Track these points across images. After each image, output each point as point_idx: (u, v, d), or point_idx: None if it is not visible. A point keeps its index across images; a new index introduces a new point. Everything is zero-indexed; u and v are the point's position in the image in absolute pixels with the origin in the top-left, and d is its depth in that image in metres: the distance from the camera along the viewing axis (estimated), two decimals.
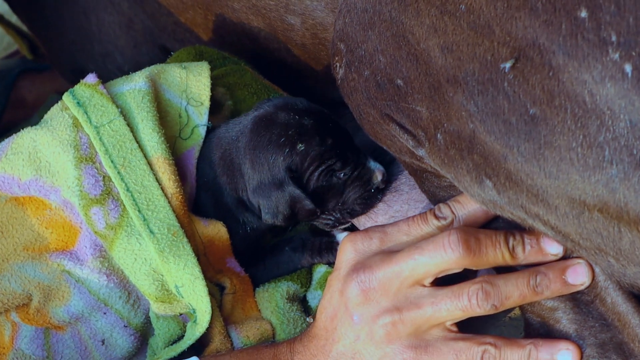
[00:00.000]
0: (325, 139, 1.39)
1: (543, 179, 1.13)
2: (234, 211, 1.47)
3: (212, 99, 1.51)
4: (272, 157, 1.41)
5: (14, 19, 1.97)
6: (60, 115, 1.46)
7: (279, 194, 1.41)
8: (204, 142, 1.49)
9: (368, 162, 1.43)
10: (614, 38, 1.06)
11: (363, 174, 1.43)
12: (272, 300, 1.48)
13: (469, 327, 1.27)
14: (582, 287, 1.21)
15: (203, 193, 1.48)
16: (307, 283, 1.52)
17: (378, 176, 1.43)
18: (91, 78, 1.47)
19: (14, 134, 1.49)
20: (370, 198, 1.45)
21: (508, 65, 1.13)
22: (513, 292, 1.22)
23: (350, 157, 1.40)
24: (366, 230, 1.30)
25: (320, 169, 1.41)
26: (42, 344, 1.45)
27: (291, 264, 1.51)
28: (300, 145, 1.41)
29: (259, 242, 1.52)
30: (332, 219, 1.46)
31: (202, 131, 1.49)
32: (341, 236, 1.52)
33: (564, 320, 1.24)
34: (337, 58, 1.29)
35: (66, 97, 1.46)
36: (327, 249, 1.54)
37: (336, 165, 1.41)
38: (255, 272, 1.51)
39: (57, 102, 1.49)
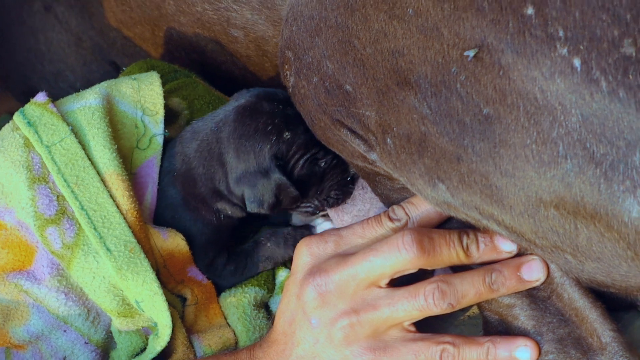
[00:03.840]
0: (308, 128, 1.37)
1: (498, 178, 1.11)
2: (207, 201, 1.44)
3: (168, 108, 1.48)
4: (258, 146, 1.39)
5: None
6: (11, 136, 1.41)
7: (265, 181, 1.40)
8: (171, 142, 1.47)
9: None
10: (561, 33, 1.05)
11: (340, 163, 1.42)
12: (240, 307, 1.45)
13: (428, 327, 1.25)
14: (537, 283, 1.20)
15: (171, 189, 1.45)
16: (272, 289, 1.50)
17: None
18: (41, 97, 1.43)
19: None
20: (346, 186, 1.44)
21: (459, 66, 1.11)
22: (469, 291, 1.20)
23: (329, 147, 1.39)
24: (321, 234, 1.28)
25: (305, 157, 1.40)
26: None
27: (272, 257, 1.49)
28: (287, 133, 1.39)
29: (231, 231, 1.49)
30: (312, 206, 1.45)
31: (159, 140, 1.45)
32: (322, 226, 1.52)
33: (522, 316, 1.22)
34: (286, 67, 1.28)
35: (16, 117, 1.41)
36: None
37: (319, 154, 1.40)
38: (234, 269, 1.49)
39: (8, 123, 1.45)
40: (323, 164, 1.40)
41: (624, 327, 1.22)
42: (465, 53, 1.09)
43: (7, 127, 1.42)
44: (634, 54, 1.02)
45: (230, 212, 1.44)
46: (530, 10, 1.06)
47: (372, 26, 1.15)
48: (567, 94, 1.04)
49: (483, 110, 1.09)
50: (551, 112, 1.06)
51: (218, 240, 1.47)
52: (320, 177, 1.41)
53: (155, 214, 1.44)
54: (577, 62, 1.04)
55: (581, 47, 1.04)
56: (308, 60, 1.22)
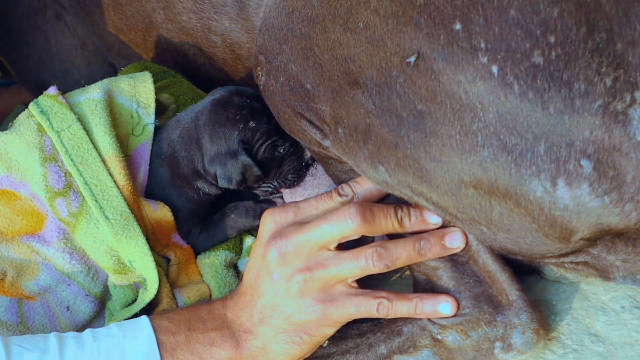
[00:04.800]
0: (270, 119, 1.37)
1: (428, 162, 1.11)
2: (189, 180, 1.43)
3: (158, 102, 1.47)
4: (228, 132, 1.39)
5: None
6: (26, 122, 1.39)
7: (233, 162, 1.39)
8: (160, 130, 1.46)
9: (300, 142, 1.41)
10: (482, 45, 1.06)
11: (297, 150, 1.41)
12: (212, 267, 1.44)
13: (367, 285, 1.24)
14: (457, 250, 1.20)
15: (160, 169, 1.44)
16: (240, 252, 1.48)
17: (308, 153, 1.41)
18: (52, 90, 1.41)
19: None
20: (301, 170, 1.43)
21: (399, 71, 1.11)
22: (402, 254, 1.20)
23: (288, 136, 1.38)
24: (283, 205, 1.27)
25: (267, 143, 1.39)
26: (16, 312, 1.40)
27: (235, 226, 1.47)
28: (252, 122, 1.38)
29: (210, 206, 1.48)
30: (271, 187, 1.44)
31: (151, 128, 1.44)
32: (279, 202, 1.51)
33: (444, 277, 1.22)
34: (258, 68, 1.27)
35: (31, 106, 1.40)
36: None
37: (279, 142, 1.39)
38: (206, 237, 1.47)
39: (24, 111, 1.43)
40: (282, 150, 1.39)
41: (528, 288, 1.22)
42: (407, 60, 1.09)
43: (23, 114, 1.40)
44: (541, 63, 1.03)
45: (207, 190, 1.43)
46: (458, 26, 1.06)
47: (329, 36, 1.15)
48: (486, 94, 1.05)
49: (417, 106, 1.09)
50: (472, 109, 1.06)
51: (197, 213, 1.46)
52: (279, 161, 1.40)
53: (147, 190, 1.42)
54: (494, 69, 1.04)
55: (499, 57, 1.04)
56: (277, 64, 1.22)
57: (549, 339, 1.21)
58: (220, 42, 1.46)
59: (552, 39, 1.03)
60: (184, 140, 1.42)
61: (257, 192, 1.46)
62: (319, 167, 1.41)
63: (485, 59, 1.05)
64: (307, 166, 1.43)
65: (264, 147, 1.39)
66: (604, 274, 1.19)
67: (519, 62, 1.04)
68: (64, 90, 1.44)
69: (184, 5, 1.45)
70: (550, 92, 1.03)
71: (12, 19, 1.65)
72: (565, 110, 1.03)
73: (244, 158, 1.38)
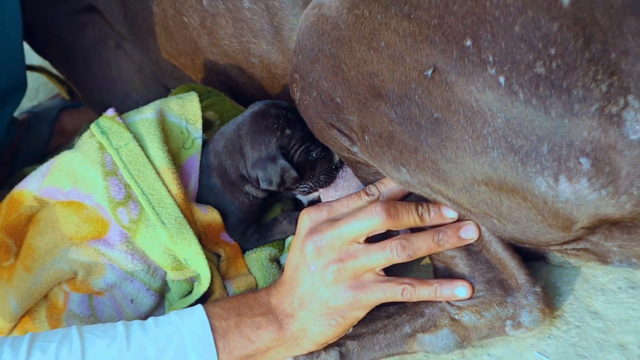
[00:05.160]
0: (304, 127, 1.36)
1: (444, 164, 1.11)
2: (238, 185, 1.43)
3: (205, 119, 1.47)
4: (267, 139, 1.38)
5: (54, 71, 1.91)
6: (89, 141, 1.40)
7: (273, 166, 1.38)
8: (207, 143, 1.46)
9: (330, 148, 1.41)
10: (490, 58, 1.06)
11: (327, 155, 1.41)
12: (259, 260, 1.44)
13: (392, 273, 1.24)
14: (472, 241, 1.20)
15: (212, 179, 1.43)
16: (283, 249, 1.48)
17: (337, 157, 1.41)
18: (110, 112, 1.42)
19: (55, 156, 1.43)
20: (332, 172, 1.42)
21: (417, 83, 1.11)
22: (422, 246, 1.20)
23: (319, 142, 1.37)
24: (317, 205, 1.27)
25: (301, 148, 1.38)
26: (87, 305, 1.41)
27: (285, 232, 1.47)
28: (287, 130, 1.38)
29: (259, 207, 1.48)
30: (307, 187, 1.43)
31: (199, 141, 1.44)
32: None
33: (460, 265, 1.22)
34: (294, 85, 1.27)
35: (93, 127, 1.40)
36: None
37: (311, 147, 1.39)
38: (258, 237, 1.47)
39: (87, 131, 1.44)
40: (315, 154, 1.39)
41: (535, 272, 1.21)
42: (425, 73, 1.09)
43: (86, 134, 1.41)
44: (543, 73, 1.02)
45: (255, 193, 1.43)
46: (469, 42, 1.06)
47: (355, 55, 1.15)
48: (494, 102, 1.05)
49: (434, 114, 1.09)
50: (483, 115, 1.06)
51: (250, 215, 1.45)
52: (312, 164, 1.39)
53: (199, 197, 1.43)
54: (502, 79, 1.04)
55: (505, 68, 1.04)
56: (309, 81, 1.22)
57: (553, 317, 1.20)
58: (258, 62, 1.46)
59: (552, 51, 1.03)
60: (228, 150, 1.41)
61: (295, 192, 1.46)
62: (349, 170, 1.41)
63: (493, 71, 1.05)
64: (337, 168, 1.42)
65: (299, 152, 1.38)
66: (603, 259, 1.18)
67: (523, 73, 1.03)
68: (124, 110, 1.44)
69: (225, 31, 1.45)
70: (552, 98, 1.02)
71: (78, 49, 1.67)
72: (565, 114, 1.02)
73: (282, 162, 1.37)
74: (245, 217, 1.45)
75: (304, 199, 1.50)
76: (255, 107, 1.42)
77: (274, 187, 1.39)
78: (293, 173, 1.38)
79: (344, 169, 1.41)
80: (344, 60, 1.17)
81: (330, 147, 1.32)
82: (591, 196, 1.04)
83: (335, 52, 1.18)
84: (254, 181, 1.41)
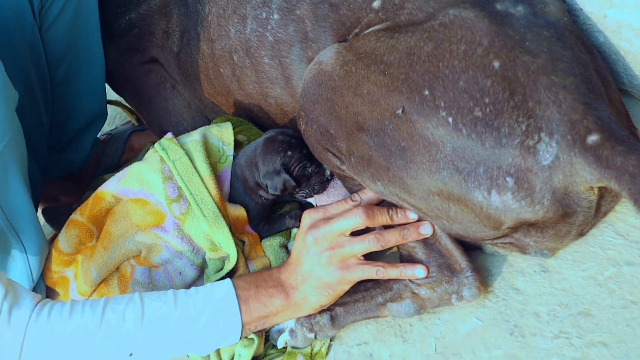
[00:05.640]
0: (302, 150, 1.35)
1: (408, 179, 1.10)
2: (255, 190, 1.41)
3: (236, 141, 1.46)
4: (274, 158, 1.36)
5: (126, 104, 1.90)
6: (153, 155, 1.39)
7: (277, 177, 1.37)
8: (235, 159, 1.44)
9: (323, 165, 1.38)
10: (442, 104, 1.05)
11: (320, 171, 1.38)
12: (272, 247, 1.42)
13: (370, 258, 1.23)
14: (428, 235, 1.18)
15: (237, 185, 1.42)
16: (289, 238, 1.45)
17: (328, 172, 1.38)
18: (169, 135, 1.41)
19: (127, 166, 1.43)
20: (324, 183, 1.39)
21: (390, 121, 1.10)
22: (392, 239, 1.19)
23: (314, 161, 1.36)
24: (316, 207, 1.26)
25: (299, 165, 1.36)
26: (147, 276, 1.40)
27: (287, 224, 1.44)
28: (289, 152, 1.35)
29: (270, 207, 1.46)
30: (304, 193, 1.41)
31: (230, 158, 1.43)
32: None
33: (419, 253, 1.20)
34: (300, 120, 1.26)
35: (156, 145, 1.40)
36: None
37: (307, 164, 1.36)
38: (268, 228, 1.45)
39: (150, 148, 1.43)
40: (310, 170, 1.36)
41: (473, 259, 1.20)
42: (397, 112, 1.08)
43: (151, 150, 1.40)
44: (480, 115, 1.03)
45: (266, 197, 1.41)
46: (427, 92, 1.06)
47: (344, 99, 1.15)
48: (445, 136, 1.05)
49: (401, 144, 1.09)
50: (436, 145, 1.05)
51: (263, 212, 1.44)
52: (308, 177, 1.37)
53: (230, 198, 1.41)
54: (450, 120, 1.04)
55: (453, 112, 1.04)
56: (311, 117, 1.21)
57: (486, 292, 1.20)
58: (273, 102, 1.45)
59: (486, 100, 1.03)
60: (247, 164, 1.40)
61: (296, 197, 1.43)
62: (338, 182, 1.39)
63: (444, 113, 1.05)
64: (328, 180, 1.39)
65: (297, 168, 1.35)
66: (522, 250, 1.18)
67: (466, 115, 1.03)
68: (178, 134, 1.44)
69: (250, 79, 1.45)
70: (486, 134, 1.02)
71: (144, 89, 1.65)
72: (496, 145, 1.02)
73: (284, 175, 1.35)
74: (259, 213, 1.42)
75: (313, 201, 1.47)
76: (268, 134, 1.41)
77: (279, 193, 1.38)
78: (292, 183, 1.36)
79: (335, 181, 1.39)
80: (336, 103, 1.16)
81: (325, 165, 1.30)
82: (514, 205, 1.04)
83: (330, 97, 1.17)
84: (265, 187, 1.39)
